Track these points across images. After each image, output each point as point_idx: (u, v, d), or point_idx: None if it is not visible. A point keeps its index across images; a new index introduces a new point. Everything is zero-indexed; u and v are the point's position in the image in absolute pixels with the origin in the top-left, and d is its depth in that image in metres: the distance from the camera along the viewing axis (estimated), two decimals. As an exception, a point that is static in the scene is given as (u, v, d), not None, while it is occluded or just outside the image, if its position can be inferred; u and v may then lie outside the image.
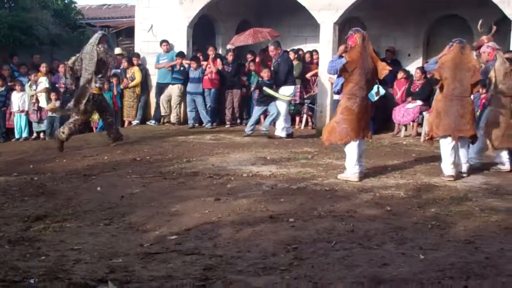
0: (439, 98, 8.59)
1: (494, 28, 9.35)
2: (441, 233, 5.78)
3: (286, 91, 12.39)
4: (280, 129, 12.38)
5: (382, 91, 12.56)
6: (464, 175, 8.53)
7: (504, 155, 9.09)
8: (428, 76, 10.26)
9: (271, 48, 12.75)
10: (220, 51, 15.76)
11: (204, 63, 14.70)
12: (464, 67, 8.32)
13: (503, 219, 6.31)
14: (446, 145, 8.38)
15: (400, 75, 13.64)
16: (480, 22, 9.38)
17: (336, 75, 8.47)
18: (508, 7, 11.11)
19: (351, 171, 8.18)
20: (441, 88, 8.50)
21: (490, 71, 9.00)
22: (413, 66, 14.34)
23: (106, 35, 12.19)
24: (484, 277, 4.59)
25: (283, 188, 7.70)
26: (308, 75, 14.36)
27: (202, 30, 15.90)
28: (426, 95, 12.97)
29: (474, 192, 7.63)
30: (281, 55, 12.64)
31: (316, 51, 14.55)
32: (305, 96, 14.30)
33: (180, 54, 14.74)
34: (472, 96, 8.66)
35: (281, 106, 12.37)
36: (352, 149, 8.20)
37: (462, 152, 8.61)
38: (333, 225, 5.99)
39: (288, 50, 14.89)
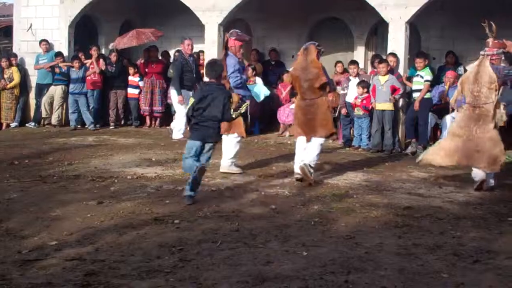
0: (295, 101, 8.84)
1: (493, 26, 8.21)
2: (323, 230, 5.92)
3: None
4: (177, 131, 12.21)
5: (267, 92, 12.70)
6: (301, 166, 8.10)
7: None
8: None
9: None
10: (103, 51, 15.41)
11: (88, 61, 14.33)
12: (309, 71, 8.26)
13: (382, 215, 6.55)
14: (299, 144, 8.43)
15: (285, 76, 13.86)
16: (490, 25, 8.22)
17: None
18: (385, 11, 11.56)
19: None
20: (293, 94, 8.90)
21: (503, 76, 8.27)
22: (296, 68, 14.59)
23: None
24: (364, 271, 4.74)
25: (168, 189, 7.62)
26: (194, 76, 14.29)
27: (84, 30, 15.49)
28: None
29: (355, 189, 7.88)
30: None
31: (202, 51, 14.53)
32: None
33: (59, 54, 14.28)
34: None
35: (179, 109, 12.20)
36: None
37: (311, 149, 8.28)
38: (219, 225, 6.00)
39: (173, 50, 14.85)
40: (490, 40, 7.98)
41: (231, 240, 5.50)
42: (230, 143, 8.77)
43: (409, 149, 11.17)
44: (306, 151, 8.30)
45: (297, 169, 8.19)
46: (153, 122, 14.69)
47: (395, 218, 6.43)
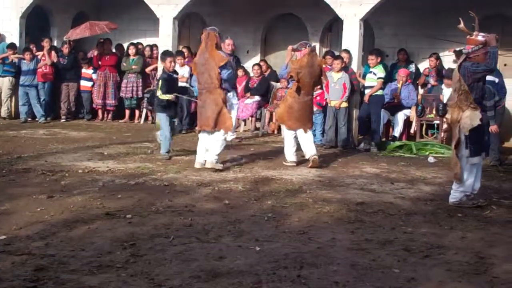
0: (293, 95, 9.28)
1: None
2: (276, 225, 5.93)
3: None
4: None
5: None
6: (312, 161, 9.08)
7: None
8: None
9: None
10: (55, 43, 15.12)
11: (40, 53, 14.05)
12: (314, 70, 9.14)
13: (335, 210, 6.59)
14: (289, 136, 9.35)
15: (239, 71, 13.84)
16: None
17: None
18: (340, 7, 11.63)
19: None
20: (298, 89, 9.16)
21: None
22: (251, 63, 14.61)
23: None
24: (316, 266, 4.76)
25: (120, 184, 7.53)
26: (148, 70, 14.16)
27: (36, 21, 15.17)
28: (264, 91, 13.30)
29: (308, 184, 7.91)
30: None
31: (156, 45, 14.41)
32: (145, 91, 14.09)
33: (11, 46, 13.96)
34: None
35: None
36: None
37: (307, 140, 9.24)
38: (172, 220, 5.95)
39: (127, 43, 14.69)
40: (468, 37, 7.24)
41: (183, 235, 5.46)
42: (216, 140, 8.66)
43: (362, 145, 11.29)
44: (303, 143, 9.26)
45: (292, 158, 9.31)
46: (105, 115, 14.50)
47: (348, 213, 6.48)
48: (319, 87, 10.36)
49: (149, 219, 5.98)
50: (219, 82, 8.59)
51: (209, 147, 8.69)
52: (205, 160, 8.70)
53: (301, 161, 9.36)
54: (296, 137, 9.34)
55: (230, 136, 10.19)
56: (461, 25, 7.11)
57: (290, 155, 9.37)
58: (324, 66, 9.81)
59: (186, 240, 5.32)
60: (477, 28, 7.01)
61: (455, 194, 7.03)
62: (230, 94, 9.09)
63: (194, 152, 9.21)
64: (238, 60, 12.20)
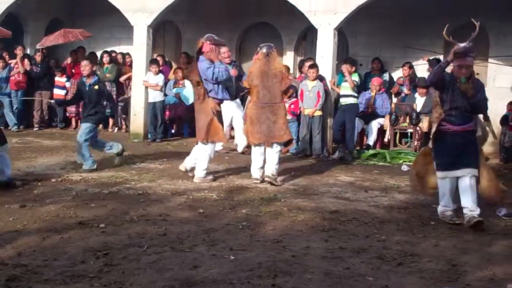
0: (250, 106, 8.66)
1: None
2: (251, 234, 5.92)
3: None
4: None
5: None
6: (267, 178, 8.36)
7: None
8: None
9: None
10: (28, 51, 14.99)
11: (13, 61, 13.91)
12: (271, 74, 8.42)
13: (309, 218, 6.61)
14: (257, 153, 8.50)
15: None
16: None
17: None
18: (314, 16, 11.69)
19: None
20: (254, 98, 8.53)
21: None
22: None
23: None
24: (290, 274, 4.76)
25: (94, 193, 7.48)
26: (121, 79, 14.07)
27: (10, 29, 14.98)
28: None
29: (283, 193, 7.92)
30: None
31: (129, 53, 14.35)
32: (119, 99, 14.03)
33: (-15, 54, 13.83)
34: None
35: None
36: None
37: (270, 157, 8.43)
38: (145, 230, 5.91)
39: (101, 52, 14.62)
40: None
41: (157, 244, 5.43)
42: (204, 151, 8.51)
43: (337, 154, 11.34)
44: (267, 161, 8.41)
45: (256, 175, 8.44)
46: (79, 124, 14.36)
47: (322, 221, 6.50)
48: (289, 95, 9.26)
49: (122, 228, 5.95)
50: (204, 92, 8.42)
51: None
52: (191, 167, 8.61)
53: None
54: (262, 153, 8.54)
55: (219, 146, 9.99)
56: (444, 32, 6.86)
57: (255, 171, 8.55)
58: (285, 71, 8.96)
59: (160, 249, 5.30)
60: (470, 39, 6.52)
61: (438, 207, 6.79)
62: (233, 104, 8.82)
63: (167, 161, 9.19)
64: (239, 67, 11.80)
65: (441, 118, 6.57)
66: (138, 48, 13.03)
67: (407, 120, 11.82)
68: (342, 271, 4.89)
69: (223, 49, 9.13)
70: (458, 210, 6.65)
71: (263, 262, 5.01)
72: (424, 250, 5.60)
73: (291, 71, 13.69)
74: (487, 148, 6.71)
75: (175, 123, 13.75)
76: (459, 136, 6.54)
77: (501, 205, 7.15)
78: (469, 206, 6.47)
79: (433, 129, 6.72)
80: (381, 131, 12.20)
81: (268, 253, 5.28)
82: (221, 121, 8.63)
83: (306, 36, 14.73)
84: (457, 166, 6.51)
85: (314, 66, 11.45)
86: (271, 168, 8.37)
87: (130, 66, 13.76)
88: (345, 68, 11.38)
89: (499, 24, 12.35)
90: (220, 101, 8.61)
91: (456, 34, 6.67)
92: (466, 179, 6.50)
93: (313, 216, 6.70)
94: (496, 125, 10.85)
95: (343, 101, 11.55)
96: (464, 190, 6.53)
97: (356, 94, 11.48)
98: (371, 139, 12.09)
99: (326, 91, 11.41)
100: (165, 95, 13.12)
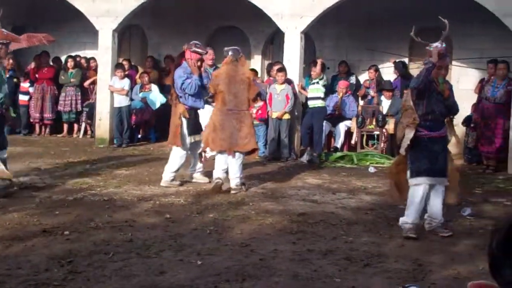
0: (214, 111, 8.28)
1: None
2: (218, 238, 5.89)
3: None
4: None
5: (163, 99, 12.61)
6: (232, 191, 7.98)
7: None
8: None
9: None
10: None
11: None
12: (238, 79, 8.12)
13: (277, 221, 6.60)
14: (219, 159, 8.19)
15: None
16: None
17: None
18: (281, 20, 11.71)
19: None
20: (220, 104, 8.16)
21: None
22: (192, 75, 14.52)
23: None
24: (258, 278, 4.74)
25: (58, 199, 7.36)
26: (86, 84, 13.90)
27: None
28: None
29: (250, 196, 7.89)
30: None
31: (94, 58, 14.20)
32: (84, 104, 13.87)
33: None
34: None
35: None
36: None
37: (232, 167, 8.11)
38: (111, 236, 5.84)
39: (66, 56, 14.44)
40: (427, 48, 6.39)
41: (123, 251, 5.37)
42: (173, 155, 8.46)
43: (305, 157, 11.35)
44: (229, 171, 8.11)
45: (218, 174, 8.10)
46: (43, 130, 14.18)
47: (290, 224, 6.49)
48: (256, 101, 9.14)
49: (87, 235, 5.86)
50: (176, 96, 8.37)
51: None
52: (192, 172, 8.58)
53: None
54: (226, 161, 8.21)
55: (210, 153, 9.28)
56: (412, 33, 6.71)
57: (218, 171, 8.17)
58: (252, 78, 8.66)
59: (126, 256, 5.23)
60: (442, 37, 6.35)
61: (402, 218, 6.30)
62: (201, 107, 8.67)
63: (134, 166, 9.11)
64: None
65: (416, 123, 6.19)
66: (103, 53, 12.91)
67: (374, 122, 11.89)
68: (310, 273, 4.88)
69: (210, 51, 8.92)
70: (419, 225, 6.26)
71: (230, 266, 4.97)
72: (390, 251, 5.63)
73: (259, 74, 13.70)
74: (451, 149, 6.59)
75: (141, 128, 13.64)
76: (435, 142, 6.29)
77: (465, 205, 7.22)
78: (437, 216, 6.29)
79: (409, 135, 6.21)
80: (348, 133, 12.26)
81: (235, 257, 5.25)
82: (198, 126, 8.57)
83: (274, 39, 14.74)
84: (432, 173, 6.22)
85: (282, 69, 11.47)
86: (235, 180, 8.08)
87: (95, 70, 13.61)
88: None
89: (462, 27, 12.50)
90: (191, 108, 8.48)
91: (422, 38, 6.67)
92: (438, 188, 6.29)
93: (281, 219, 6.69)
94: (459, 126, 10.97)
95: (311, 104, 11.60)
96: (434, 199, 6.28)
97: (323, 96, 11.54)
98: (339, 142, 12.14)
99: (295, 94, 11.45)
100: (132, 99, 13.00)
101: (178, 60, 8.47)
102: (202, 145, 8.35)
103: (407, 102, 6.36)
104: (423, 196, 6.23)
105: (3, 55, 7.88)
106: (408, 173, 6.32)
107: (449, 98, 6.40)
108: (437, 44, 6.24)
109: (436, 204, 6.30)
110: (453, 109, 6.57)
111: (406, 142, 6.23)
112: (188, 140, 8.44)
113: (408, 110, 6.28)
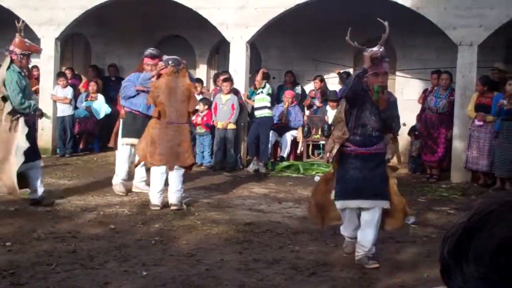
0: (153, 124, 7.74)
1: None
2: (164, 248, 5.83)
3: None
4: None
5: (108, 109, 12.46)
6: (173, 207, 7.57)
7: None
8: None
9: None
10: None
11: None
12: (179, 91, 7.73)
13: (223, 231, 6.58)
14: (157, 174, 7.68)
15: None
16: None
17: None
18: (226, 30, 11.73)
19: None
20: (159, 116, 7.64)
21: None
22: (137, 84, 14.38)
23: None
24: (204, 288, 4.71)
25: (-1, 210, 7.17)
26: (29, 92, 13.62)
27: None
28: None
29: (197, 206, 7.85)
30: None
31: (36, 66, 13.91)
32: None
33: None
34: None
35: None
36: None
37: (174, 181, 7.69)
38: (54, 247, 5.72)
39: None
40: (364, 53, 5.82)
41: (67, 262, 5.26)
42: (117, 160, 8.53)
43: (251, 167, 11.37)
44: (170, 186, 7.67)
45: (156, 200, 7.60)
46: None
47: (236, 234, 6.48)
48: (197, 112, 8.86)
49: (30, 246, 5.73)
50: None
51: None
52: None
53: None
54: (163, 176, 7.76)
55: None
56: (347, 37, 6.17)
57: (154, 196, 7.65)
58: (193, 89, 8.25)
59: (70, 267, 5.13)
60: (381, 41, 5.83)
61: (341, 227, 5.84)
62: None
63: (77, 176, 8.94)
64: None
65: (344, 138, 5.58)
66: (45, 61, 12.66)
67: (319, 132, 11.99)
68: (256, 283, 4.88)
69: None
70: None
71: (176, 277, 4.93)
72: (336, 259, 5.67)
73: (204, 84, 13.67)
74: (396, 160, 6.48)
75: (84, 137, 13.41)
76: (365, 160, 5.56)
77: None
78: (366, 244, 5.48)
79: (334, 150, 5.65)
80: (294, 143, 12.34)
81: (181, 267, 5.21)
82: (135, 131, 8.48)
83: (219, 49, 14.75)
84: (360, 195, 5.49)
85: (228, 79, 11.46)
86: (176, 195, 7.65)
87: (37, 79, 13.34)
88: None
89: (405, 38, 12.77)
90: (140, 113, 8.33)
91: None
92: (371, 212, 5.52)
93: (227, 229, 6.67)
94: (404, 136, 11.18)
95: (258, 114, 11.64)
96: (365, 225, 5.53)
97: (269, 105, 11.61)
98: (285, 151, 12.20)
99: (241, 104, 11.45)
100: (76, 108, 12.79)
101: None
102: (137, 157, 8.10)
103: (340, 113, 5.73)
104: (351, 219, 5.61)
105: (25, 66, 7.82)
106: (333, 194, 5.69)
107: (385, 111, 5.64)
108: (376, 48, 5.68)
109: (367, 233, 5.50)
110: (390, 124, 5.75)
111: (331, 158, 5.73)
112: (120, 142, 8.44)
113: (340, 122, 5.68)
